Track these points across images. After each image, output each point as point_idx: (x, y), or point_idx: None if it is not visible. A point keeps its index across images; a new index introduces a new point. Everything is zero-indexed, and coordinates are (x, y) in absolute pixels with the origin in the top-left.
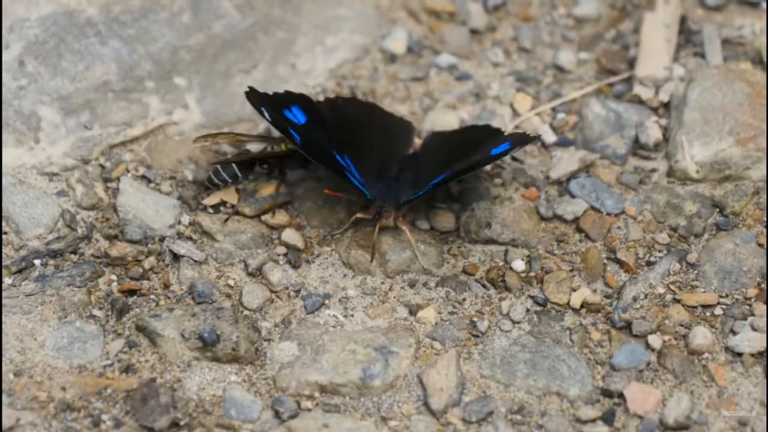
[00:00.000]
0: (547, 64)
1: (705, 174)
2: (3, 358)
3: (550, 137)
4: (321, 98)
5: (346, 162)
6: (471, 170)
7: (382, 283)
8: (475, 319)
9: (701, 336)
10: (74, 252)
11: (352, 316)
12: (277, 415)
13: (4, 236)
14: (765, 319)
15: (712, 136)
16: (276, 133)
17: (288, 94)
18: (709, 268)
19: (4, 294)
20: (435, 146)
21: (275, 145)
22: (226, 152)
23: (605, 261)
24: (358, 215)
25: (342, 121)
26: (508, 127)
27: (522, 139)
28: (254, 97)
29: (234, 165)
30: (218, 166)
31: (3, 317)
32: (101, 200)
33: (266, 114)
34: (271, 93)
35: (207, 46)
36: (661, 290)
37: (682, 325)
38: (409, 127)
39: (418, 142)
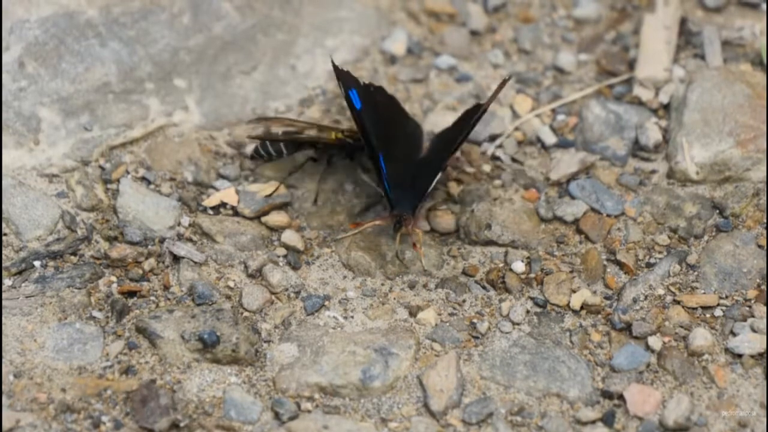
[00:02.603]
0: (547, 65)
1: (705, 175)
2: (3, 360)
3: (550, 139)
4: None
5: (382, 163)
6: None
7: (382, 284)
8: (475, 320)
9: (701, 337)
10: (74, 253)
11: (352, 317)
12: (277, 416)
13: (4, 238)
14: (765, 320)
15: (712, 137)
16: (326, 121)
17: (347, 75)
18: (709, 269)
19: (4, 295)
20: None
21: (326, 132)
22: (225, 153)
23: (605, 262)
24: (377, 222)
25: (379, 111)
26: (507, 129)
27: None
28: (337, 69)
29: (281, 143)
30: (267, 141)
31: (3, 319)
32: (101, 202)
33: (343, 89)
34: (341, 68)
35: (207, 47)
36: (661, 292)
37: (682, 327)
38: (420, 130)
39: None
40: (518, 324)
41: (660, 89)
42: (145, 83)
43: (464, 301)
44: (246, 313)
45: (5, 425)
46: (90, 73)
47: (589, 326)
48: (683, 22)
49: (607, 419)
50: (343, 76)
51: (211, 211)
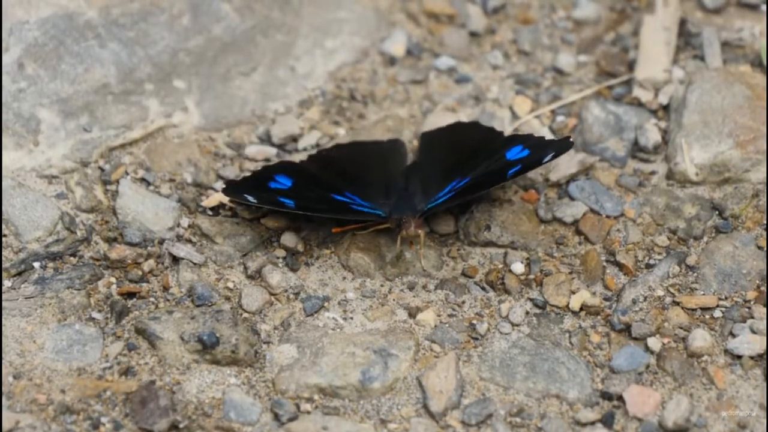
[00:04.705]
0: (546, 66)
1: (704, 176)
2: (3, 361)
3: None
4: (313, 143)
5: (349, 197)
6: (498, 180)
7: (382, 285)
8: (474, 321)
9: (701, 338)
10: (73, 254)
11: (352, 318)
12: (276, 417)
13: (3, 239)
14: (764, 321)
15: (711, 138)
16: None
17: (270, 168)
18: (708, 270)
19: (3, 297)
20: (429, 148)
21: None
22: (225, 154)
23: (604, 263)
24: (378, 227)
25: (333, 167)
26: (507, 130)
27: (558, 146)
28: (234, 188)
29: None
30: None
31: (2, 320)
32: (100, 203)
33: (251, 199)
34: (250, 174)
35: (206, 48)
36: (660, 293)
37: (681, 328)
38: (399, 143)
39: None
40: (517, 325)
41: (659, 90)
42: (145, 84)
43: (464, 302)
44: (245, 314)
45: (5, 426)
46: (89, 75)
47: (588, 327)
48: (683, 23)
49: (607, 420)
50: (261, 173)
51: (210, 212)
